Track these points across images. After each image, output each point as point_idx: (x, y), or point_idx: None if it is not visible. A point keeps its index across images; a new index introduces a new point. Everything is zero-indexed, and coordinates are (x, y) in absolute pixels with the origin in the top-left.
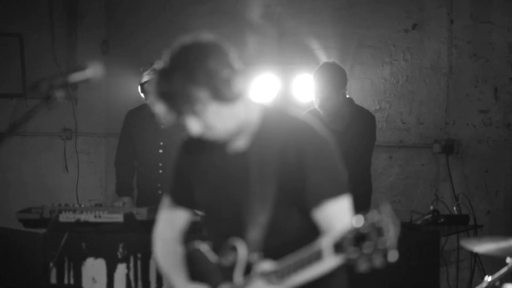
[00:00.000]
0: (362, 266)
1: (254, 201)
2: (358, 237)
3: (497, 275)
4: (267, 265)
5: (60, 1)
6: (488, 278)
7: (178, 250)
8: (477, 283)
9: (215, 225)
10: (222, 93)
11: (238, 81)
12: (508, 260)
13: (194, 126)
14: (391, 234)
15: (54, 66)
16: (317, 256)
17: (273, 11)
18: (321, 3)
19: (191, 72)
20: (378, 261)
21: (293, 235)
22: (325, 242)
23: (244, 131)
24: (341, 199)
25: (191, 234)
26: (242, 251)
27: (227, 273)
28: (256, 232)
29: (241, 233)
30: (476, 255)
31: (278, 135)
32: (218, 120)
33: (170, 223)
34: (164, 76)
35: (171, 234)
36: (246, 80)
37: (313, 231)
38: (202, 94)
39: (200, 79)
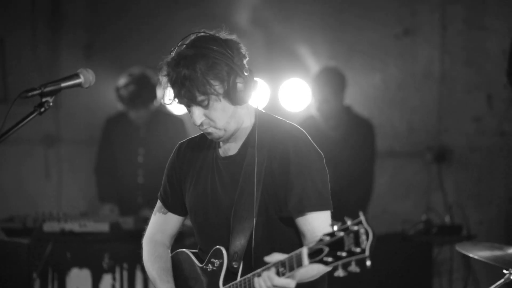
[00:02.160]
0: (340, 271)
1: (239, 207)
2: (334, 242)
3: (493, 287)
4: (276, 256)
5: (43, 4)
6: None
7: (166, 255)
8: None
9: (202, 230)
10: (235, 94)
11: (250, 85)
12: (504, 271)
13: (198, 116)
14: (366, 239)
15: (37, 70)
16: (298, 258)
17: (261, 16)
18: (310, 8)
19: (215, 65)
20: (354, 267)
21: (273, 244)
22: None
23: (238, 135)
24: (326, 213)
25: (175, 244)
26: (225, 258)
27: (211, 279)
28: (239, 239)
29: (226, 239)
30: (469, 266)
31: (267, 141)
32: (222, 117)
33: (161, 227)
34: (187, 60)
35: (161, 238)
36: (255, 86)
37: (293, 242)
38: (218, 87)
39: (221, 74)
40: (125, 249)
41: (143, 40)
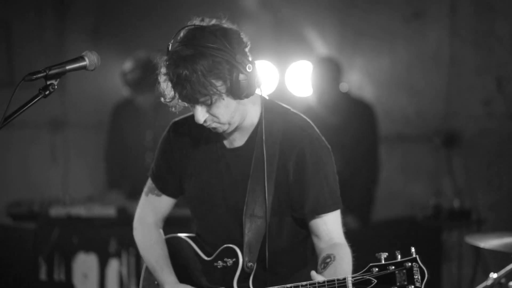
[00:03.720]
0: None
1: (251, 205)
2: (384, 276)
3: (502, 271)
4: (315, 276)
5: None
6: (494, 275)
7: (161, 239)
8: (480, 279)
9: (206, 222)
10: (239, 91)
11: (254, 80)
12: None
13: (201, 115)
14: (421, 279)
15: (43, 55)
16: (341, 286)
17: None
18: None
19: (216, 64)
20: None
21: (286, 241)
22: (350, 275)
23: (244, 126)
24: (338, 212)
25: (182, 229)
26: (240, 259)
27: (223, 277)
28: (253, 238)
29: (237, 236)
30: (479, 251)
31: (278, 136)
32: (226, 113)
33: (154, 208)
34: (186, 61)
35: (154, 220)
36: (260, 81)
37: (306, 242)
38: (220, 87)
39: (223, 73)
40: (132, 233)
41: (150, 24)
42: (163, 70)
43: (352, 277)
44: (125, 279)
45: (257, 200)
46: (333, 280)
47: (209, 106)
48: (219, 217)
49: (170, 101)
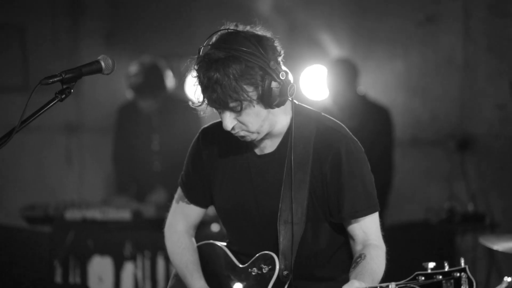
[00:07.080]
0: None
1: (285, 212)
2: (430, 285)
3: None
4: (355, 284)
5: None
6: (508, 279)
7: (193, 246)
8: (494, 283)
9: (241, 231)
10: (270, 99)
11: (286, 89)
12: None
13: (229, 121)
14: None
15: (57, 59)
16: None
17: (282, 3)
18: None
19: (249, 69)
20: None
21: (323, 248)
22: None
23: (273, 132)
24: (375, 215)
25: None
26: (277, 266)
27: (257, 284)
28: (288, 246)
29: (271, 244)
30: (493, 254)
31: (310, 139)
32: (255, 121)
33: (183, 216)
34: (218, 64)
35: (184, 228)
36: (293, 90)
37: (340, 245)
38: (252, 94)
39: (255, 79)
40: (146, 236)
41: (163, 28)
42: (193, 73)
43: (396, 284)
44: (140, 282)
45: (291, 207)
46: (375, 287)
47: (238, 112)
48: (252, 225)
49: (199, 106)
